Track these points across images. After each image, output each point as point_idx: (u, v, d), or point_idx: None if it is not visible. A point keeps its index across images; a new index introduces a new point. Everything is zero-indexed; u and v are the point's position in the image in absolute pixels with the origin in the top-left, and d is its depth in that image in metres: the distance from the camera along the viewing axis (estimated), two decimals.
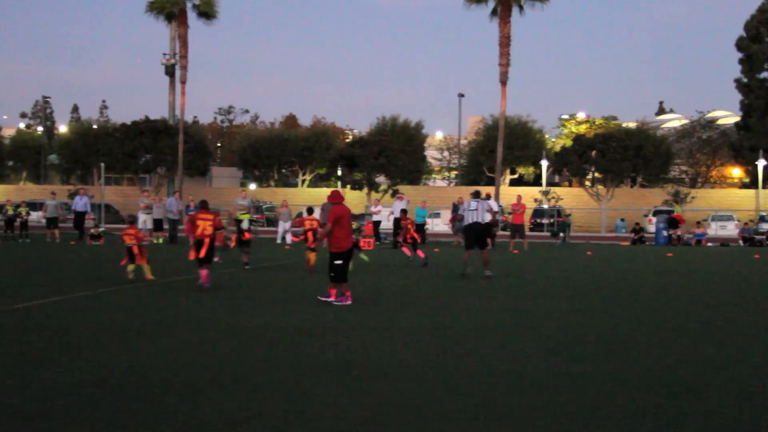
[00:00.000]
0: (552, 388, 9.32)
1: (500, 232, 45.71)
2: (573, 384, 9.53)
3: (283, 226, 42.43)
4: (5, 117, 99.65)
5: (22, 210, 40.62)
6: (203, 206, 20.48)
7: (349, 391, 9.08)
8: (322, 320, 14.32)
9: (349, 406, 8.46)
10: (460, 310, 15.93)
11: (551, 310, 15.94)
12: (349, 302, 16.65)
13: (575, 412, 8.30)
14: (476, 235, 24.59)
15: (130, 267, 21.46)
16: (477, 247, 24.37)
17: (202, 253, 19.14)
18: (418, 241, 30.42)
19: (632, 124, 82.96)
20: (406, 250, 29.43)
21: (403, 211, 32.15)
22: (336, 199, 17.52)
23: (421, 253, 28.45)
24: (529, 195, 59.41)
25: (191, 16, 63.08)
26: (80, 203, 41.98)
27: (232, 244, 25.94)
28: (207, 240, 19.33)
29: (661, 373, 10.18)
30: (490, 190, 49.98)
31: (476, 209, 24.69)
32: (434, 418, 8.14)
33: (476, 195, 25.29)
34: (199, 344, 11.95)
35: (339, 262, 16.84)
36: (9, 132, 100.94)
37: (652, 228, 52.33)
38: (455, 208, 43.06)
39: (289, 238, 40.72)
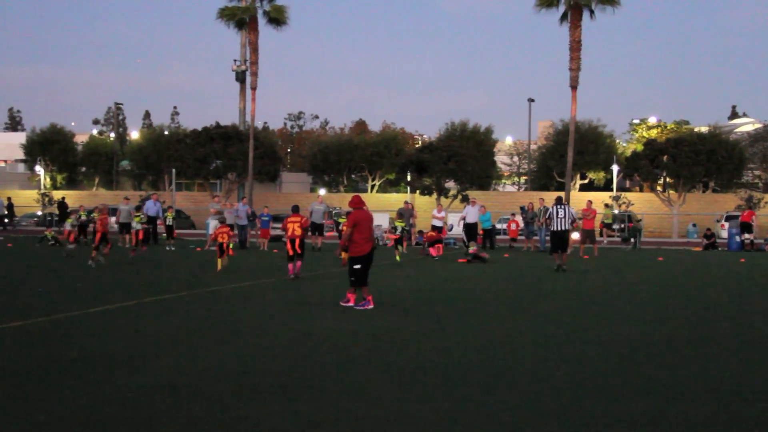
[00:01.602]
0: (618, 390, 9.42)
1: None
2: (638, 390, 9.59)
3: None
4: (72, 124, 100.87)
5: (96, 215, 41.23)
6: (295, 210, 24.12)
7: (420, 397, 9.18)
8: (385, 326, 14.43)
9: (421, 412, 8.56)
10: (534, 317, 16.02)
11: (624, 316, 15.99)
12: (370, 306, 16.83)
13: (639, 420, 8.34)
14: (560, 240, 27.71)
15: (220, 262, 25.82)
16: (560, 250, 27.55)
17: (290, 250, 23.18)
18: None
19: (704, 129, 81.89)
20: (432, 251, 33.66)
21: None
22: (356, 204, 17.87)
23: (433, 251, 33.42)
24: (600, 200, 58.97)
25: (261, 23, 63.42)
26: (153, 209, 42.59)
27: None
28: (297, 239, 23.24)
29: None
30: (560, 195, 49.75)
31: (563, 217, 27.73)
32: (506, 424, 8.20)
33: (560, 202, 28.16)
34: (265, 349, 12.11)
35: (358, 266, 17.11)
36: (82, 138, 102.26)
37: (724, 233, 51.74)
38: (525, 213, 42.99)
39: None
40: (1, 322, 14.38)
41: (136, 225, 36.84)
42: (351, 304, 17.01)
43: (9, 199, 65.52)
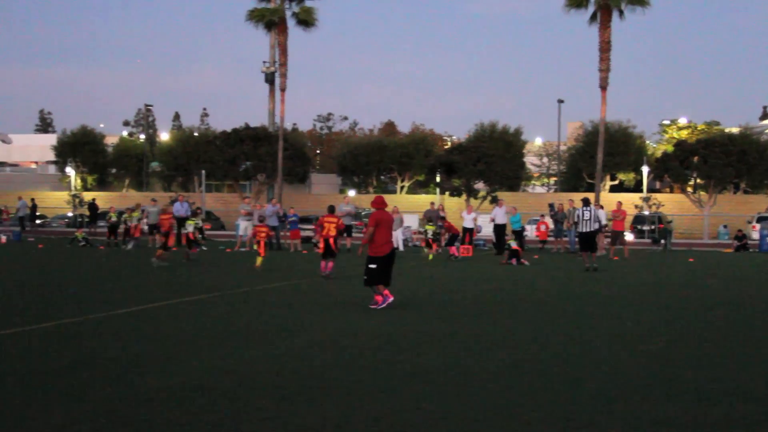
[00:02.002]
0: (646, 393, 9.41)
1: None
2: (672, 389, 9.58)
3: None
4: (101, 125, 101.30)
5: (127, 217, 41.54)
6: (330, 211, 25.49)
7: (440, 398, 9.19)
8: (415, 328, 14.43)
9: (441, 413, 8.56)
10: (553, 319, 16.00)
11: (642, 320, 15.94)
12: (391, 299, 16.97)
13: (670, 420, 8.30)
14: (587, 240, 28.78)
15: (260, 259, 26.97)
16: (588, 250, 28.67)
17: (322, 248, 24.33)
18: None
19: (735, 129, 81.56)
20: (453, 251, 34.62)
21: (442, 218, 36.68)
22: (379, 204, 17.93)
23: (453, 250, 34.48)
24: (630, 201, 58.80)
25: (291, 24, 63.53)
26: (181, 209, 42.75)
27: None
28: (331, 239, 24.23)
29: None
30: (590, 196, 49.59)
31: (589, 219, 28.57)
32: (520, 424, 8.23)
33: (586, 203, 29.22)
34: (289, 351, 12.17)
35: (373, 266, 17.15)
36: (112, 140, 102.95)
37: (755, 234, 51.48)
38: (555, 212, 42.71)
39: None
40: (31, 323, 14.50)
41: (189, 227, 37.32)
42: (379, 305, 17.01)
43: (33, 200, 65.95)
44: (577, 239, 34.17)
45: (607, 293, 21.25)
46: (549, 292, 21.54)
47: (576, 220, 30.06)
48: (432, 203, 45.17)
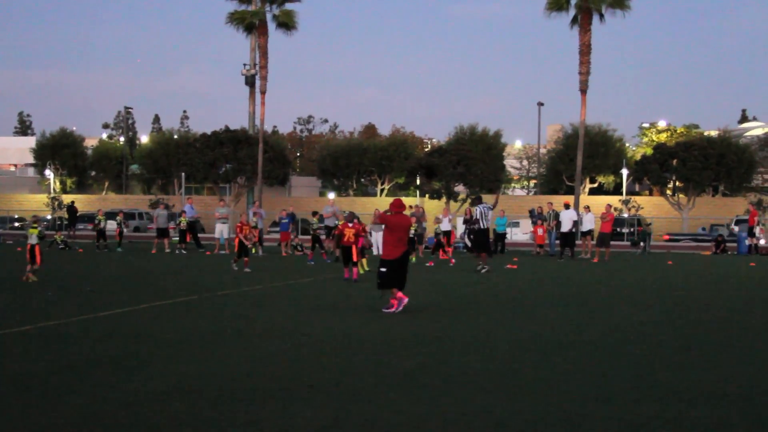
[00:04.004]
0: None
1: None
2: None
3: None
4: (74, 128, 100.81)
5: (119, 220, 42.15)
6: (351, 218, 25.55)
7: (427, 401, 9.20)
8: (405, 330, 14.45)
9: (427, 416, 8.58)
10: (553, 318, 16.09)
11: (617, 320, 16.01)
12: (405, 300, 16.83)
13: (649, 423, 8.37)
14: (565, 238, 36.08)
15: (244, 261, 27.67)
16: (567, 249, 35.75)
17: (354, 256, 24.59)
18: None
19: (714, 133, 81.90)
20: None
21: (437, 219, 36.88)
22: (397, 208, 17.85)
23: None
24: (607, 204, 59.09)
25: (271, 27, 63.63)
26: (191, 212, 42.60)
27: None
28: (353, 246, 24.54)
29: None
30: (569, 199, 49.76)
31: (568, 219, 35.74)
32: (511, 426, 8.21)
33: (568, 207, 36.01)
34: (277, 353, 12.17)
35: (384, 269, 17.08)
36: (91, 142, 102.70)
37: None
38: (534, 216, 42.71)
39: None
40: (10, 326, 14.46)
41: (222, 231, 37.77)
42: (393, 309, 16.89)
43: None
44: (557, 241, 37.22)
45: (584, 294, 21.24)
46: (526, 293, 21.58)
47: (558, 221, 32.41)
48: (416, 205, 44.92)
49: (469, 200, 59.46)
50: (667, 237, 55.27)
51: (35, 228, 23.27)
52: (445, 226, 38.66)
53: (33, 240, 22.79)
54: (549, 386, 10.00)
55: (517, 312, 17.47)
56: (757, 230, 46.38)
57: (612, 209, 40.80)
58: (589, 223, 39.14)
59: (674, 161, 64.12)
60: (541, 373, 10.79)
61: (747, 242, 45.60)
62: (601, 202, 54.27)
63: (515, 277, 26.96)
